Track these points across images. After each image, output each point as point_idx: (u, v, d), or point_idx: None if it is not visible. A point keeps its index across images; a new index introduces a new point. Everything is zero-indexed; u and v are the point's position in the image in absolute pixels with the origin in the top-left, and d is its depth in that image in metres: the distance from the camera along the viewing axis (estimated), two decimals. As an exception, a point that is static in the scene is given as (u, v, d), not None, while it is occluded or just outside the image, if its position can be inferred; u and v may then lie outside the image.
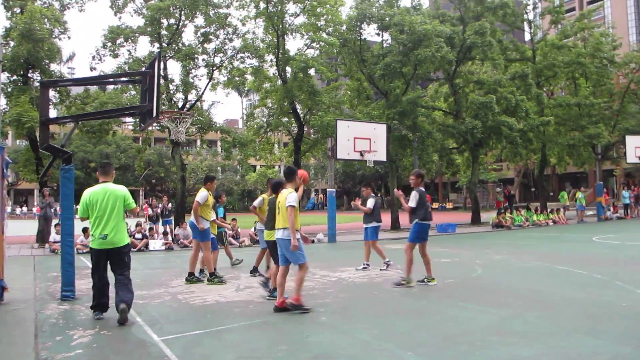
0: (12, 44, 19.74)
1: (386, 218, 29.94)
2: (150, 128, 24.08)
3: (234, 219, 20.02)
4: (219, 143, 25.56)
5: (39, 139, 9.62)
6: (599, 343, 5.67)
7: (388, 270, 11.39)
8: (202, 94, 24.22)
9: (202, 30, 23.75)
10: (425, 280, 9.53)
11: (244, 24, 24.64)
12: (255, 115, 28.46)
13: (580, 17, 33.49)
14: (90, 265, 7.51)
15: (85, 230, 16.16)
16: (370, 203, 11.56)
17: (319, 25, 25.04)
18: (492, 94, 25.82)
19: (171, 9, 22.66)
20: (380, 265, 11.62)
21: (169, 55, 23.15)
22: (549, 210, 29.12)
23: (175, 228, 20.64)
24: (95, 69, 22.64)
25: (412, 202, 9.58)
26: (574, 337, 5.92)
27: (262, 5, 24.03)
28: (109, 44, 22.42)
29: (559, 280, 9.80)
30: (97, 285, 7.38)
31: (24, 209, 58.87)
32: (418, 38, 23.37)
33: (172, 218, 21.43)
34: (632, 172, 49.36)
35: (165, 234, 19.37)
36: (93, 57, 22.46)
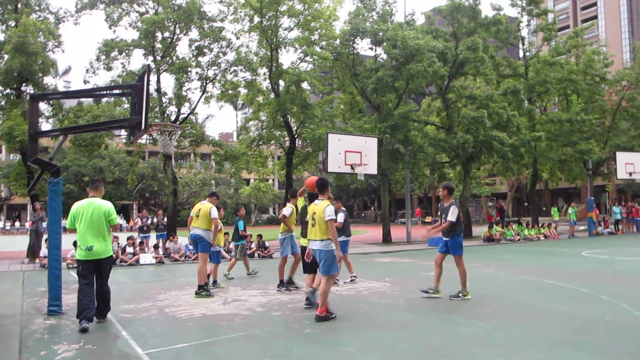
0: (5, 57, 19.80)
1: (378, 231, 29.95)
2: (142, 141, 24.18)
3: (256, 236, 20.57)
4: (212, 156, 25.56)
5: (27, 152, 9.64)
6: (579, 356, 5.72)
7: (352, 284, 11.37)
8: (195, 107, 24.33)
9: (197, 43, 23.87)
10: (429, 291, 9.59)
11: (238, 38, 24.87)
12: (248, 128, 28.50)
13: (573, 34, 33.89)
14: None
15: (76, 244, 16.15)
16: (341, 217, 11.29)
17: (312, 39, 25.21)
18: (483, 108, 26.02)
19: (166, 22, 22.80)
20: (345, 279, 11.65)
21: (163, 68, 23.24)
22: (540, 224, 29.21)
23: (166, 242, 20.60)
24: (89, 82, 22.79)
25: (453, 216, 9.49)
26: (555, 349, 5.96)
27: (256, 19, 24.20)
28: (103, 57, 22.47)
29: (545, 293, 9.85)
30: (85, 293, 7.66)
31: (17, 224, 58.53)
32: (410, 53, 23.58)
33: (166, 232, 21.40)
34: (624, 188, 49.63)
35: (156, 247, 19.32)
36: (87, 70, 22.54)
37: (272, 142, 26.64)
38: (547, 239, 26.66)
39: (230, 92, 25.46)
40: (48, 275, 8.86)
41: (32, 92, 20.13)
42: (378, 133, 23.67)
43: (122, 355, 6.22)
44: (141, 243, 19.25)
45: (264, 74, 25.22)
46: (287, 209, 10.93)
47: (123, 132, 27.14)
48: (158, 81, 23.44)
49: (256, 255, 19.59)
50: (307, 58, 25.54)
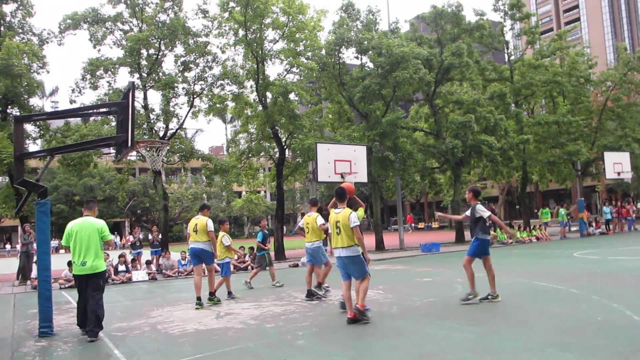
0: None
1: (371, 239, 30.00)
2: (132, 158, 24.09)
3: (248, 248, 20.52)
4: (202, 170, 25.51)
5: (14, 174, 9.64)
6: (570, 357, 5.73)
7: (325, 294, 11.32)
8: (183, 122, 24.29)
9: (182, 59, 23.89)
10: (489, 297, 9.36)
11: (223, 52, 24.81)
12: (237, 141, 28.47)
13: (556, 37, 34.26)
14: (71, 300, 7.96)
15: (70, 263, 16.06)
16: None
17: (298, 50, 25.28)
18: (471, 113, 26.20)
19: (150, 39, 22.82)
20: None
21: (149, 85, 23.24)
22: (531, 227, 29.33)
23: (160, 257, 20.50)
24: (75, 101, 22.64)
25: (485, 213, 9.54)
26: (547, 352, 5.98)
27: (241, 32, 24.24)
28: (89, 76, 22.42)
29: (536, 296, 9.88)
30: (81, 306, 8.41)
31: (8, 246, 58.00)
32: (396, 60, 23.74)
33: (160, 249, 21.30)
34: (614, 187, 49.96)
35: (148, 263, 19.23)
36: (73, 90, 22.44)
37: (261, 154, 26.62)
38: (539, 241, 26.76)
39: (218, 105, 25.46)
40: (38, 296, 8.80)
41: (17, 114, 20.06)
42: (367, 141, 23.75)
43: (114, 375, 6.18)
44: (133, 260, 19.17)
45: (251, 86, 25.25)
46: (320, 218, 10.99)
47: (112, 150, 27.04)
48: (145, 98, 23.44)
49: (249, 268, 19.50)
50: (294, 69, 25.61)
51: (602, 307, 8.40)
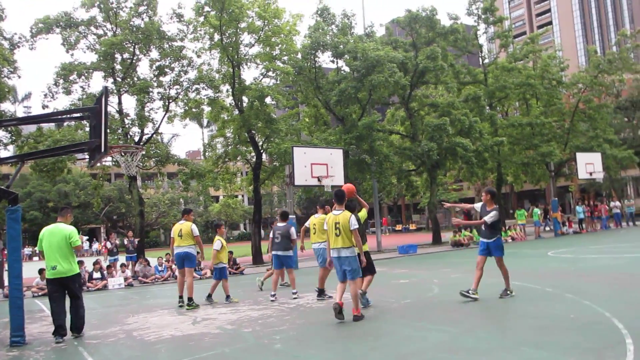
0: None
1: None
2: (107, 163, 23.80)
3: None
4: (179, 175, 25.32)
5: (-16, 181, 9.45)
6: (544, 355, 5.81)
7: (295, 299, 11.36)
8: (159, 127, 24.09)
9: (157, 63, 23.71)
10: (470, 291, 9.51)
11: (199, 56, 24.68)
12: (214, 146, 28.33)
13: (529, 41, 34.80)
14: (44, 308, 7.90)
15: (41, 271, 15.82)
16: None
17: (274, 54, 25.27)
18: (446, 116, 26.44)
19: (125, 43, 22.62)
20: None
21: (124, 89, 23.01)
22: (507, 227, 29.66)
23: (136, 264, 20.27)
24: (47, 106, 22.32)
25: (490, 218, 9.56)
26: (521, 350, 6.04)
27: (216, 36, 24.15)
28: (62, 81, 22.12)
29: (511, 295, 9.98)
30: (54, 311, 8.54)
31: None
32: (371, 64, 23.89)
33: (136, 255, 21.06)
34: (587, 187, 50.78)
35: (122, 265, 19.04)
36: (45, 95, 22.10)
37: (238, 158, 26.53)
38: (514, 241, 27.07)
39: (194, 110, 25.34)
40: (9, 305, 8.62)
41: (-12, 119, 19.69)
42: (343, 144, 23.82)
43: (88, 383, 6.09)
44: (109, 267, 18.91)
45: (227, 90, 25.15)
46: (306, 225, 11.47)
47: (86, 156, 26.71)
48: (119, 103, 23.21)
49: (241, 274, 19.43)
50: (270, 73, 25.57)
51: (575, 304, 8.53)
